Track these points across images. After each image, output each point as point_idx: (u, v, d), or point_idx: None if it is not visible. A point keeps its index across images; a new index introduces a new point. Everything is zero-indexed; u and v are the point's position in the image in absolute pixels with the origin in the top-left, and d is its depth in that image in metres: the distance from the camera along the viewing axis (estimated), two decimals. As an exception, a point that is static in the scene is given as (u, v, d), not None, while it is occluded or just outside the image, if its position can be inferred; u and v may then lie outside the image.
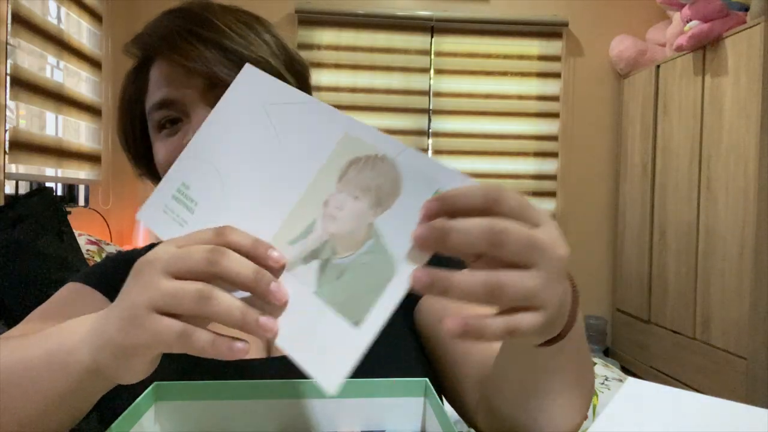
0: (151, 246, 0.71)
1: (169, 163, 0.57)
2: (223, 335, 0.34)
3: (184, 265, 0.33)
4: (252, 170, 0.41)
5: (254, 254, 0.35)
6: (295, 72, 0.63)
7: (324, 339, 0.34)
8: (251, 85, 0.43)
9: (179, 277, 0.33)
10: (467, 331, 0.29)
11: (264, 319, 0.34)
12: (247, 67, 0.43)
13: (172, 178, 0.43)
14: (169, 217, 0.42)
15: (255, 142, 0.41)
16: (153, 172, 0.67)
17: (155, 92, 0.58)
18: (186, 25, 0.56)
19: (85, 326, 0.38)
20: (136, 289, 0.34)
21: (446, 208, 0.31)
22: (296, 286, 0.36)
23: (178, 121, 0.58)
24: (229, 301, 0.33)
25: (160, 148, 0.59)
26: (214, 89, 0.56)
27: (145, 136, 0.64)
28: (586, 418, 0.49)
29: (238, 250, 0.34)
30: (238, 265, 0.33)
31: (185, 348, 0.33)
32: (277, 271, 0.36)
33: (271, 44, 0.60)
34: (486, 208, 0.30)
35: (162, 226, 0.42)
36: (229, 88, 0.43)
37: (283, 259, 0.36)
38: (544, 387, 0.43)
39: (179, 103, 0.57)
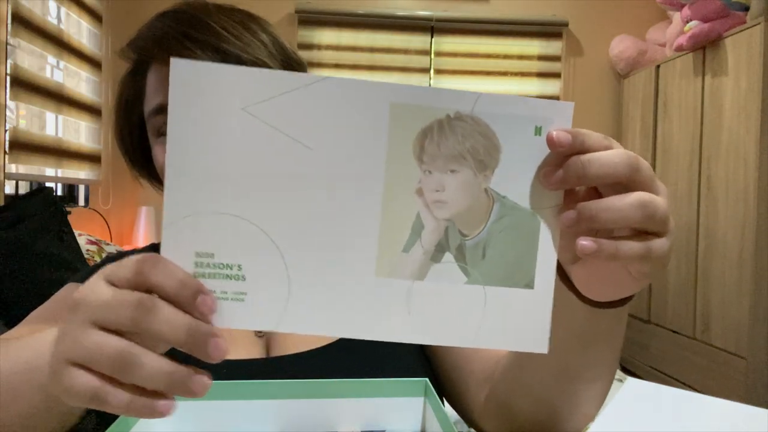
0: (153, 246, 0.71)
1: None
2: (141, 396, 0.29)
3: (109, 318, 0.29)
4: (296, 200, 0.31)
5: (181, 301, 0.30)
6: (293, 71, 0.62)
7: (508, 314, 0.33)
8: (203, 86, 0.31)
9: (106, 328, 0.29)
10: (601, 250, 0.31)
11: (199, 378, 0.30)
12: (177, 64, 0.31)
13: (179, 254, 0.31)
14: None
15: (275, 163, 0.31)
16: (152, 174, 0.67)
17: (153, 97, 0.58)
18: (181, 28, 0.56)
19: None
20: (63, 332, 0.31)
21: (577, 144, 0.31)
22: (444, 288, 0.33)
23: None
24: (154, 363, 0.29)
25: (159, 152, 0.59)
26: None
27: (143, 139, 0.63)
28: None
29: (161, 294, 0.30)
30: (168, 325, 0.29)
31: (99, 408, 0.29)
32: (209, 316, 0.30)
33: (268, 44, 0.59)
34: (623, 178, 0.32)
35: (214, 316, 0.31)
36: (173, 104, 0.31)
37: (213, 308, 0.30)
38: (589, 362, 0.44)
39: None
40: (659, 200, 0.32)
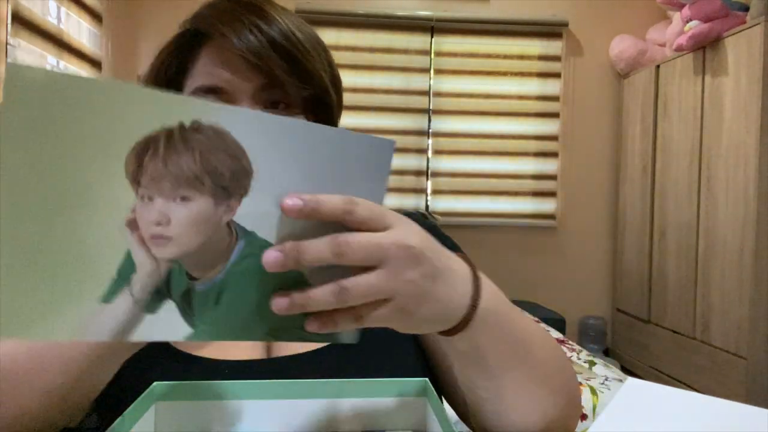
0: None
1: None
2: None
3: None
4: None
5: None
6: (336, 89, 0.62)
7: None
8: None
9: None
10: (324, 325, 0.33)
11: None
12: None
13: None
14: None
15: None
16: None
17: (206, 75, 0.56)
18: (251, 18, 0.55)
19: None
20: None
21: (308, 213, 0.30)
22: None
23: None
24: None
25: None
26: (267, 89, 0.56)
27: None
28: (578, 414, 0.49)
29: None
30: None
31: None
32: None
33: (322, 57, 0.59)
34: (341, 220, 0.32)
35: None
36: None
37: None
38: (479, 374, 0.45)
39: (231, 93, 0.56)
40: (354, 237, 0.32)
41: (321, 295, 0.31)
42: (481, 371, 0.45)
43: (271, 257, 0.27)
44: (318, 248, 0.31)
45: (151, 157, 0.24)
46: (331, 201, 0.31)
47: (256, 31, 0.54)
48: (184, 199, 0.25)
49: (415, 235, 0.35)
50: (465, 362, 0.45)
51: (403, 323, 0.37)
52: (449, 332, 0.41)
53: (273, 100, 0.57)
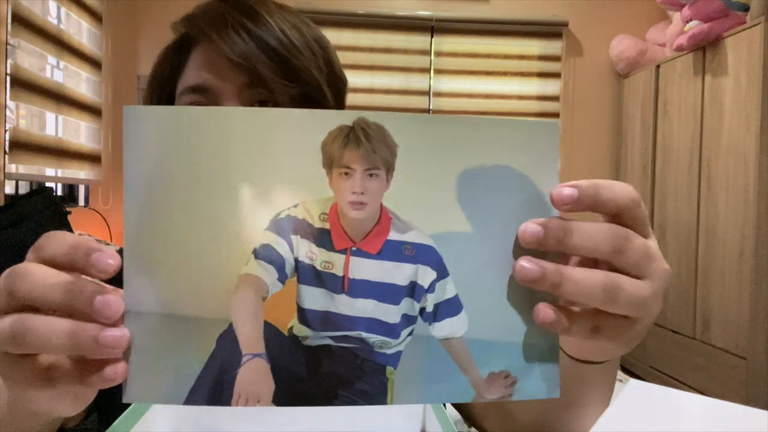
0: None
1: None
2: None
3: None
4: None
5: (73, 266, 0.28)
6: (335, 89, 0.62)
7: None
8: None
9: None
10: (556, 323, 0.28)
11: (107, 333, 0.26)
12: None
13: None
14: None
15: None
16: None
17: (193, 75, 0.58)
18: (240, 18, 0.55)
19: None
20: None
21: (586, 201, 0.29)
22: None
23: None
24: (45, 325, 0.26)
25: None
26: (251, 88, 0.56)
27: None
28: None
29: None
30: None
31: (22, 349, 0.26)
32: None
33: (318, 55, 0.59)
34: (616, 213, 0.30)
35: None
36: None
37: (114, 264, 0.27)
38: (582, 400, 0.43)
39: (214, 92, 0.56)
40: (634, 235, 0.29)
41: (585, 278, 0.27)
42: (587, 397, 0.42)
43: (531, 227, 0.28)
44: (593, 235, 0.28)
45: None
46: (614, 189, 0.28)
47: (243, 32, 0.54)
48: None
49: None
50: (578, 386, 0.41)
51: (623, 347, 0.32)
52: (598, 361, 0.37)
53: (259, 99, 0.57)
